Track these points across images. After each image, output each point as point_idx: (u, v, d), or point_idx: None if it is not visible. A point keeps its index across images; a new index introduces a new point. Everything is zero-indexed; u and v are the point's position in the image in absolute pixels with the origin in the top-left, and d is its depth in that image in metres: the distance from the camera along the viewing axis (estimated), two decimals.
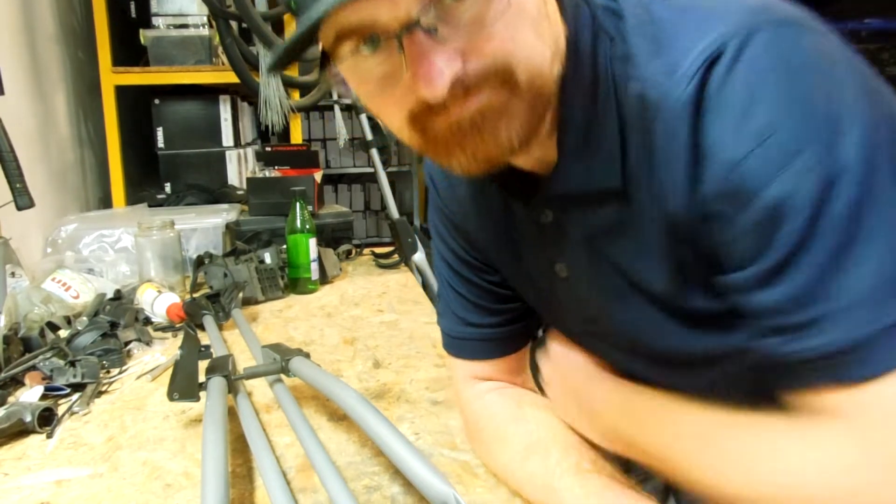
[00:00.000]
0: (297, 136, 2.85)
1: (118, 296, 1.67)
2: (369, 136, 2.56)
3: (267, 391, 1.15)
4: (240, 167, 2.72)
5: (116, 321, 1.47)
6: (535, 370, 0.91)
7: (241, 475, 0.92)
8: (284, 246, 1.91)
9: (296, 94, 2.72)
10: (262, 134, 3.33)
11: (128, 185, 2.61)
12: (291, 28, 2.73)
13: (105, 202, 2.69)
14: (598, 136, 0.63)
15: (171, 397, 1.02)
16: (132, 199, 2.58)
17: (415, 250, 2.18)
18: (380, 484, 0.88)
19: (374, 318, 1.65)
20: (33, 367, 1.25)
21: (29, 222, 1.94)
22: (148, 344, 1.47)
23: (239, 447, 0.98)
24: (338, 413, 1.08)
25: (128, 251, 1.94)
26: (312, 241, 1.87)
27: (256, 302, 1.79)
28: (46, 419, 1.09)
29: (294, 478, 0.90)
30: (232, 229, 2.12)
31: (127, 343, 1.43)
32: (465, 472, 0.90)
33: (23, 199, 1.51)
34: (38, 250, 2.00)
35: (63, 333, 1.41)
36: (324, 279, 1.95)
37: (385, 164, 2.59)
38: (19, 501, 0.88)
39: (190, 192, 2.51)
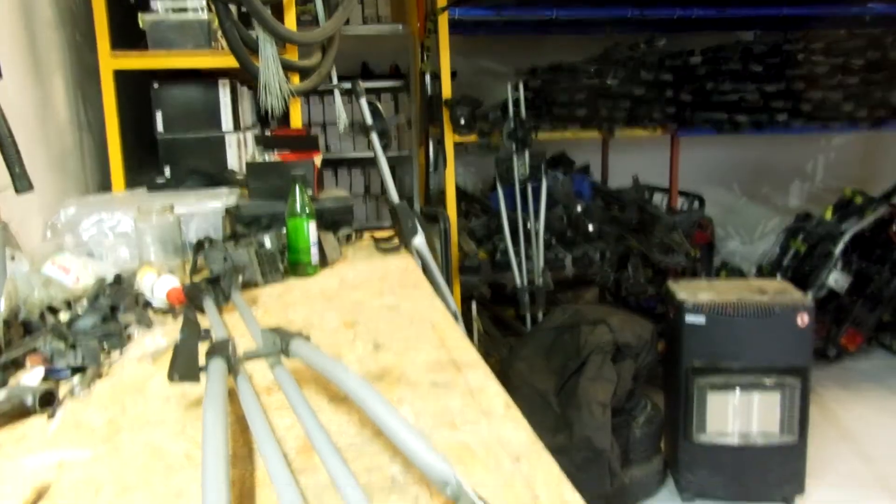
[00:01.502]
0: (296, 121, 2.84)
1: (118, 280, 1.67)
2: (369, 121, 2.55)
3: (267, 374, 1.15)
4: (239, 152, 2.71)
5: (117, 305, 1.47)
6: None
7: (242, 456, 0.92)
8: (284, 230, 1.91)
9: (295, 79, 2.70)
10: (262, 118, 3.31)
11: (127, 169, 2.60)
12: (291, 11, 2.72)
13: (104, 186, 2.68)
14: None
15: (171, 379, 1.02)
16: (132, 184, 2.57)
17: (415, 234, 2.18)
18: (380, 464, 0.88)
19: (374, 301, 1.64)
20: (34, 350, 1.25)
21: (28, 206, 1.93)
22: (148, 327, 1.47)
23: (240, 429, 0.99)
24: (338, 395, 1.08)
25: (127, 235, 1.94)
26: (312, 225, 1.87)
27: (256, 286, 1.79)
28: (47, 401, 1.10)
29: (294, 459, 0.91)
30: (232, 213, 2.11)
31: (127, 326, 1.43)
32: (465, 452, 0.91)
33: (22, 182, 1.51)
34: (38, 234, 2.00)
35: (63, 317, 1.41)
36: (324, 263, 1.95)
37: (385, 148, 2.58)
38: (21, 482, 0.88)
39: (189, 177, 2.50)
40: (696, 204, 4.43)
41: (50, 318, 1.41)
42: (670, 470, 2.93)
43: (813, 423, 2.79)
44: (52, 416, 1.07)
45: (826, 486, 2.88)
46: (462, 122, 3.60)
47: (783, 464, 2.74)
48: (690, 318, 2.71)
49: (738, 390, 2.70)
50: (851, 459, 3.09)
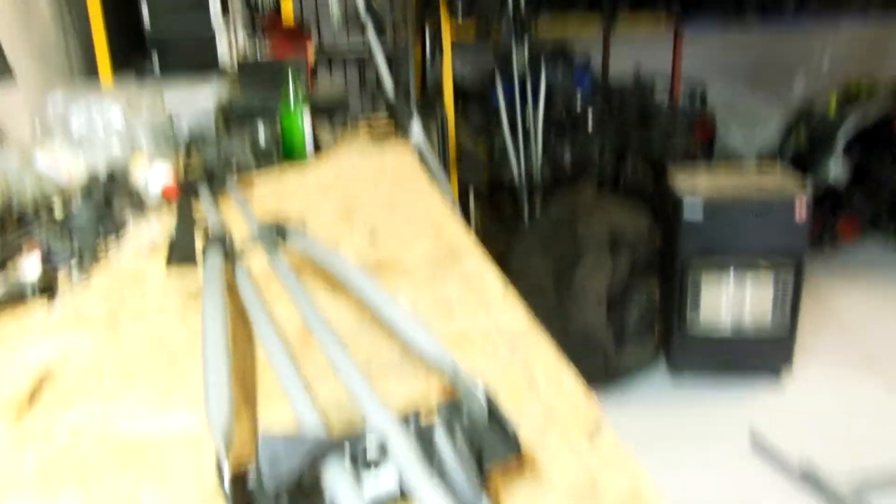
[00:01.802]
0: (288, 15, 2.75)
1: (111, 177, 1.65)
2: (363, 14, 2.47)
3: (264, 265, 1.15)
4: (230, 49, 2.63)
5: (111, 198, 1.46)
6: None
7: (242, 344, 0.93)
8: (278, 122, 1.87)
9: None
10: (253, 11, 3.21)
11: (114, 65, 2.53)
12: None
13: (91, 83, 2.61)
14: None
15: (169, 263, 1.01)
16: (119, 80, 2.51)
17: (411, 119, 2.14)
18: (378, 351, 0.89)
19: (370, 193, 1.63)
20: (30, 237, 1.25)
21: (14, 102, 1.89)
22: (144, 216, 1.45)
23: (239, 319, 0.99)
24: (335, 285, 1.08)
25: (119, 130, 1.90)
26: (306, 115, 1.83)
27: (251, 177, 1.77)
28: (47, 288, 1.10)
29: (294, 345, 0.91)
30: (224, 108, 2.07)
31: (122, 217, 1.42)
32: (463, 339, 0.91)
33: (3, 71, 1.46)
34: (26, 131, 1.96)
35: (58, 213, 1.40)
36: (318, 153, 1.92)
37: (380, 42, 2.52)
38: (23, 370, 0.89)
39: (179, 73, 2.43)
40: (699, 99, 4.35)
41: (45, 214, 1.40)
42: (663, 351, 2.99)
43: (805, 310, 2.84)
44: (52, 297, 1.07)
45: (814, 364, 2.97)
46: (459, 13, 3.49)
47: (774, 347, 2.82)
48: (688, 215, 2.71)
49: (731, 273, 2.73)
50: (841, 342, 3.15)
